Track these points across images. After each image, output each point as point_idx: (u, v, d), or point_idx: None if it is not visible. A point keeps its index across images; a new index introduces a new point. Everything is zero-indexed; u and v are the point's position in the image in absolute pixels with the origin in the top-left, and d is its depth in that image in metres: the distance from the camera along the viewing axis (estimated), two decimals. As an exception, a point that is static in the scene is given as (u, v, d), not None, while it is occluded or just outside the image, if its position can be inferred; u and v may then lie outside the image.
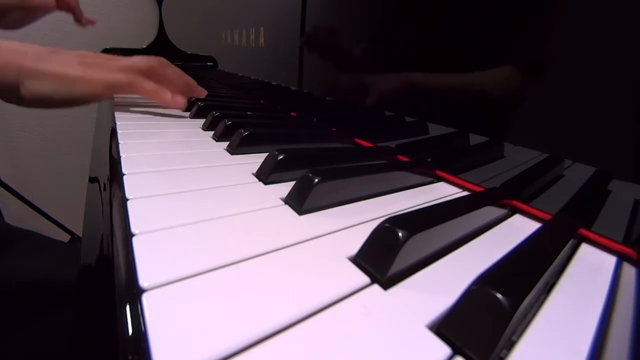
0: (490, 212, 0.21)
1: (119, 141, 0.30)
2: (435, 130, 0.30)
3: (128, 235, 0.15)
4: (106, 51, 0.88)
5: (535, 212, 0.23)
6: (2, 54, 0.36)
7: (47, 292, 0.39)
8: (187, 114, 0.46)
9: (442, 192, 0.27)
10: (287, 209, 0.20)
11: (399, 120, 0.34)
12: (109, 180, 0.24)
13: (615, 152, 0.20)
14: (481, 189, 0.26)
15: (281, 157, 0.24)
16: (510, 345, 0.12)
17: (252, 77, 0.64)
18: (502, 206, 0.23)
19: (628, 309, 0.15)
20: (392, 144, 0.34)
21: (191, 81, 0.50)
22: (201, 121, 0.41)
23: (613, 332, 0.14)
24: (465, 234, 0.19)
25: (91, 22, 0.72)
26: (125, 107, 0.46)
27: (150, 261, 0.13)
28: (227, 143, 0.32)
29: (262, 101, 0.60)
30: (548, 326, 0.13)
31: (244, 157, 0.29)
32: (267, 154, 0.25)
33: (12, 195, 0.99)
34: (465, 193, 0.27)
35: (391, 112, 0.35)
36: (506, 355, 0.11)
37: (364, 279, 0.14)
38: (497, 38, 0.24)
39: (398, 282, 0.14)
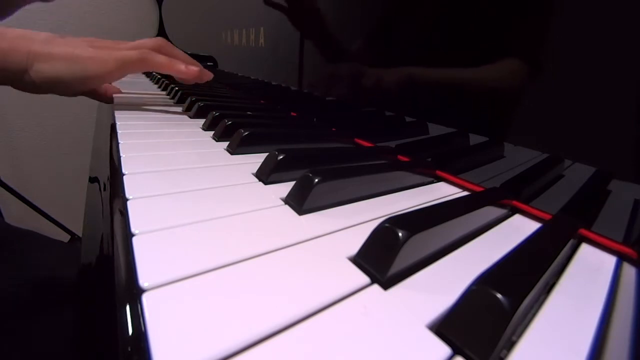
0: (490, 212, 0.21)
1: (119, 141, 0.30)
2: (435, 130, 0.30)
3: (128, 235, 0.15)
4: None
5: (535, 212, 0.23)
6: (8, 39, 0.36)
7: (47, 292, 0.39)
8: (187, 114, 0.46)
9: (442, 192, 0.27)
10: (287, 209, 0.20)
11: (399, 120, 0.34)
12: (109, 180, 0.24)
13: (615, 152, 0.20)
14: (481, 189, 0.26)
15: (281, 157, 0.24)
16: (510, 345, 0.12)
17: (252, 77, 0.64)
18: (502, 206, 0.23)
19: (628, 309, 0.15)
20: (392, 144, 0.34)
21: (197, 63, 0.50)
22: (201, 121, 0.41)
23: (613, 332, 0.14)
24: (465, 234, 0.19)
25: None
26: (126, 107, 0.46)
27: (150, 261, 0.13)
28: (227, 143, 0.32)
29: (262, 101, 0.60)
30: (548, 326, 0.13)
31: (244, 157, 0.29)
32: (267, 154, 0.25)
33: (12, 195, 0.99)
34: (465, 193, 0.27)
35: (391, 112, 0.35)
36: (506, 355, 0.11)
37: (364, 279, 0.14)
38: (497, 36, 0.24)
39: (398, 282, 0.14)
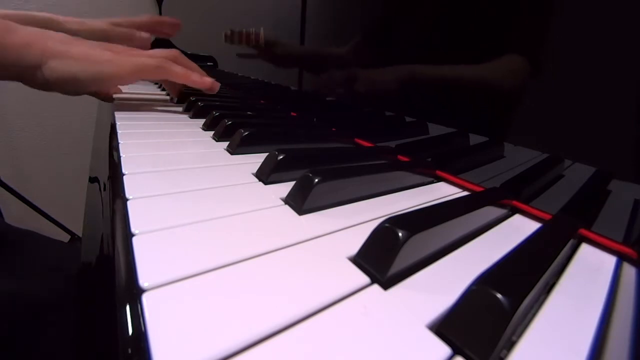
0: (490, 212, 0.21)
1: (119, 141, 0.30)
2: (435, 130, 0.30)
3: (128, 235, 0.15)
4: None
5: (535, 212, 0.23)
6: (25, 34, 0.36)
7: (47, 292, 0.39)
8: (187, 114, 0.46)
9: (442, 192, 0.27)
10: (287, 209, 0.20)
11: (399, 120, 0.34)
12: (109, 180, 0.24)
13: (615, 152, 0.20)
14: (481, 189, 0.26)
15: (281, 157, 0.24)
16: (510, 345, 0.12)
17: (252, 77, 0.64)
18: (502, 206, 0.23)
19: (628, 309, 0.15)
20: (392, 144, 0.34)
21: (205, 74, 0.51)
22: (201, 121, 0.41)
23: (613, 332, 0.14)
24: (465, 234, 0.19)
25: None
26: (126, 107, 0.46)
27: (150, 261, 0.13)
28: (227, 143, 0.32)
29: (262, 101, 0.60)
30: (548, 326, 0.13)
31: (244, 157, 0.29)
32: (267, 154, 0.25)
33: (12, 195, 0.99)
34: (465, 193, 0.27)
35: (391, 112, 0.35)
36: (506, 355, 0.11)
37: (364, 279, 0.14)
38: (497, 36, 0.24)
39: (398, 282, 0.14)
